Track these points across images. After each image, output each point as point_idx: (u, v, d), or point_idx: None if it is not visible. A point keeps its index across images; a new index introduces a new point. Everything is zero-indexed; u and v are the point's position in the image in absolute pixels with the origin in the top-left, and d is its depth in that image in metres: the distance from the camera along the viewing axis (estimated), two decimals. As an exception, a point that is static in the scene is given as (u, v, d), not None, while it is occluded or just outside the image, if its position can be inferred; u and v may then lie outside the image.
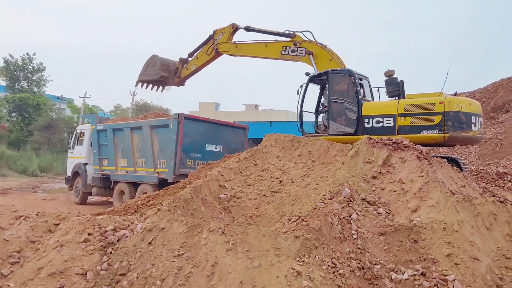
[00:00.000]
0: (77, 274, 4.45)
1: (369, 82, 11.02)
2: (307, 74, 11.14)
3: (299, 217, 5.79)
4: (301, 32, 11.82)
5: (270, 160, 8.15)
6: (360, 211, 5.67)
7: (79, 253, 4.71)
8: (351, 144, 7.91)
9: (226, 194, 7.05)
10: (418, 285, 4.62)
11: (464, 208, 5.61)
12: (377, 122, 9.52)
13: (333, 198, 5.97)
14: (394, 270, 4.81)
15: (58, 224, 5.57)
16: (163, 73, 15.44)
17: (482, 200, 5.96)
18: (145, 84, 16.14)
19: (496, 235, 5.48)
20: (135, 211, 9.62)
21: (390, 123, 9.35)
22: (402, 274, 4.76)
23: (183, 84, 15.84)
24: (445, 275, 4.71)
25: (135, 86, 16.20)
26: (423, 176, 6.06)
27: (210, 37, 14.21)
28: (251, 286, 4.21)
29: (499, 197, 6.78)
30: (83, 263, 4.61)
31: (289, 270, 4.40)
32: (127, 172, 14.53)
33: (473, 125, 8.97)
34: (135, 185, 14.28)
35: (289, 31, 12.12)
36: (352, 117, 9.81)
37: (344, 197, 5.79)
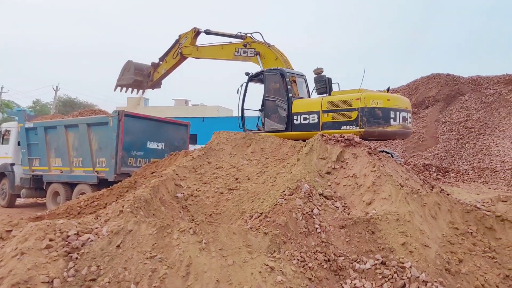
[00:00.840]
0: (43, 282, 4.24)
1: (305, 80, 11.43)
2: (247, 74, 11.41)
3: (261, 213, 5.93)
4: (251, 33, 12.11)
5: (223, 157, 8.21)
6: (320, 205, 5.93)
7: (42, 260, 4.49)
8: (303, 141, 8.19)
9: (183, 193, 7.01)
10: (380, 273, 4.94)
11: (413, 200, 6.06)
12: (304, 119, 9.96)
13: (292, 194, 6.17)
14: (356, 261, 5.11)
15: (10, 230, 5.25)
16: (137, 77, 15.67)
17: (427, 192, 6.46)
18: (124, 88, 15.94)
19: (441, 223, 5.99)
20: (78, 213, 9.27)
21: (315, 120, 9.78)
22: (364, 264, 5.07)
23: (159, 87, 16.23)
24: (403, 263, 5.08)
25: (114, 90, 16.17)
26: (375, 170, 6.45)
27: (176, 42, 14.50)
28: (227, 284, 4.28)
29: (438, 188, 7.41)
30: (48, 270, 4.40)
31: (262, 266, 4.53)
32: (62, 172, 13.83)
33: (392, 120, 9.41)
34: (71, 186, 13.62)
35: (241, 33, 12.44)
36: (283, 114, 10.21)
37: (305, 192, 6.01)
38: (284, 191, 6.33)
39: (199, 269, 4.38)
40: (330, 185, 6.65)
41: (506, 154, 20.18)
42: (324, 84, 10.43)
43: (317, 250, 5.09)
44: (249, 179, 7.31)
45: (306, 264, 4.77)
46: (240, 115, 10.93)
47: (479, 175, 15.49)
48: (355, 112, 9.39)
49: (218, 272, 4.37)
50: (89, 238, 4.86)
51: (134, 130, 12.88)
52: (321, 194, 6.31)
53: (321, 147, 7.17)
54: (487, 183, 14.52)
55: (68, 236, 4.86)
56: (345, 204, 6.31)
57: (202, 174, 7.64)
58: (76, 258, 4.60)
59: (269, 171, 7.38)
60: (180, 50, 14.38)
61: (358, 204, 6.26)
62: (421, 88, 28.08)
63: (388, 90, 10.83)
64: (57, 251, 4.65)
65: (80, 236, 4.89)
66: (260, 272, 4.44)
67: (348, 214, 5.99)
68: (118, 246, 4.70)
